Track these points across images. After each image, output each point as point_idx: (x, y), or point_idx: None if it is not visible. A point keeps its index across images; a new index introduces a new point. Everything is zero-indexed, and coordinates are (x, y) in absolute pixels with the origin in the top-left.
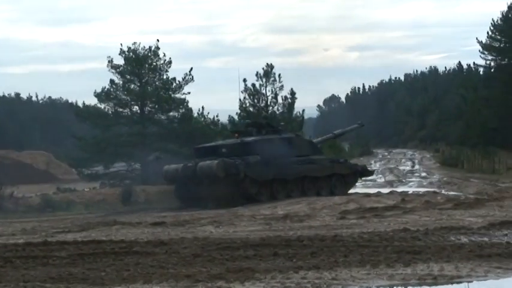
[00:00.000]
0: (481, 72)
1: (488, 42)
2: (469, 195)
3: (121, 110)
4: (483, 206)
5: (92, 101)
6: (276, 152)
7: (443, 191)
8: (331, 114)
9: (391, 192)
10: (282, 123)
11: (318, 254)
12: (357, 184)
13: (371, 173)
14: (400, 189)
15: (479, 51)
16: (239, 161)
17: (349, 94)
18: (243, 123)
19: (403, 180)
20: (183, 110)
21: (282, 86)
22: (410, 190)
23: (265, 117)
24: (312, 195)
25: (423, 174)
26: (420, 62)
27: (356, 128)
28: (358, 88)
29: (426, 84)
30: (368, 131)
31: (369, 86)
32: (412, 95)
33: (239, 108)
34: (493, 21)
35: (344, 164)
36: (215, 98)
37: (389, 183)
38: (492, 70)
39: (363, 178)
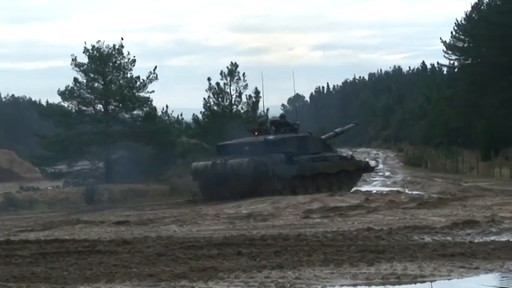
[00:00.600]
0: (445, 72)
1: (452, 42)
2: (432, 194)
3: (85, 108)
4: (446, 206)
5: (56, 99)
6: (295, 149)
7: (406, 191)
8: (295, 113)
9: (355, 192)
10: (297, 121)
11: (281, 253)
12: None
13: (372, 169)
14: (363, 188)
15: (443, 51)
16: (267, 160)
17: (313, 93)
18: (259, 121)
19: (367, 180)
20: (147, 109)
21: (247, 85)
22: (374, 189)
23: (282, 115)
24: (325, 191)
25: (387, 173)
26: (384, 61)
27: (352, 127)
28: (323, 87)
29: (390, 83)
30: (332, 130)
31: (333, 85)
32: (376, 94)
33: (203, 107)
34: (457, 21)
35: (350, 161)
36: (179, 97)
37: None
38: (455, 70)
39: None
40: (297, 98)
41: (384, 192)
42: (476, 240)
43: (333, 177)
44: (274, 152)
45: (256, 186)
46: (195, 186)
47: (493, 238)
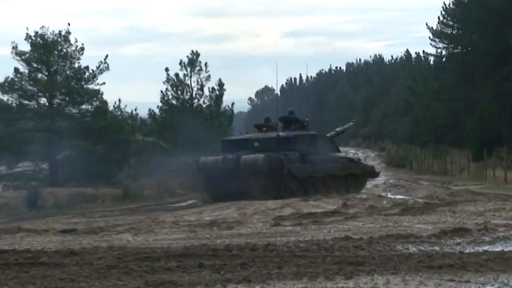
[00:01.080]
0: (431, 62)
1: (439, 28)
2: (418, 199)
3: (27, 102)
4: (434, 212)
5: None
6: (306, 148)
7: (389, 195)
8: (264, 107)
9: (331, 196)
10: (306, 119)
11: (248, 266)
12: None
13: (378, 174)
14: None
15: (430, 38)
16: (283, 157)
17: (285, 86)
18: (264, 117)
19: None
20: (97, 103)
21: (209, 76)
22: (353, 194)
23: (291, 112)
24: (334, 193)
25: None
26: (364, 50)
27: (352, 126)
28: (295, 79)
29: (370, 74)
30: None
31: (307, 77)
32: (355, 86)
33: (161, 101)
34: (445, 5)
35: (358, 164)
36: (133, 90)
37: None
38: (443, 59)
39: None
40: (265, 91)
41: (364, 197)
42: (467, 251)
43: (341, 180)
44: (286, 149)
45: (272, 185)
46: (183, 184)
47: (485, 248)
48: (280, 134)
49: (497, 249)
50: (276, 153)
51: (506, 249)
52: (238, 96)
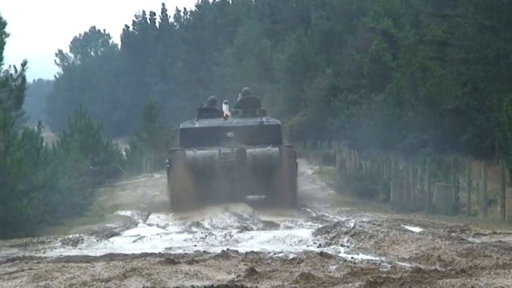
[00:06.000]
0: None
1: None
2: (400, 262)
3: None
4: None
5: None
6: (281, 140)
7: (342, 252)
8: (86, 73)
9: (224, 256)
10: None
11: None
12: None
13: None
14: (241, 245)
15: None
16: (290, 150)
17: (132, 28)
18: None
19: (246, 225)
20: None
21: None
22: (266, 246)
23: (247, 92)
24: None
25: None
26: None
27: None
28: (153, 14)
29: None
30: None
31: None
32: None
33: None
34: None
35: None
36: None
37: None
38: None
39: None
40: (93, 37)
41: (291, 256)
42: None
43: None
44: (271, 141)
45: (274, 185)
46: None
47: None
48: (264, 121)
49: None
50: (273, 146)
51: None
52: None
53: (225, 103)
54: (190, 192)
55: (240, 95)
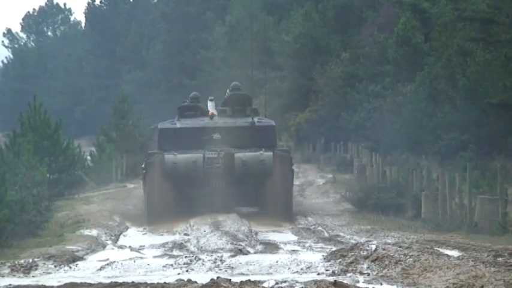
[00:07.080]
0: None
1: None
2: None
3: None
4: None
5: None
6: (274, 142)
7: (361, 282)
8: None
9: (212, 284)
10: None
11: None
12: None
13: None
14: (235, 272)
15: None
16: (286, 154)
17: (100, 3)
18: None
19: (241, 247)
20: None
21: None
22: (266, 274)
23: (237, 87)
24: None
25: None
26: None
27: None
28: None
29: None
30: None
31: None
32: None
33: None
34: None
35: None
36: None
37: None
38: None
39: None
40: (49, 14)
41: (299, 287)
42: None
43: None
44: (262, 144)
45: (266, 195)
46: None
47: None
48: (255, 121)
49: None
50: (266, 150)
51: None
52: None
53: (211, 100)
54: (169, 204)
55: (228, 90)
